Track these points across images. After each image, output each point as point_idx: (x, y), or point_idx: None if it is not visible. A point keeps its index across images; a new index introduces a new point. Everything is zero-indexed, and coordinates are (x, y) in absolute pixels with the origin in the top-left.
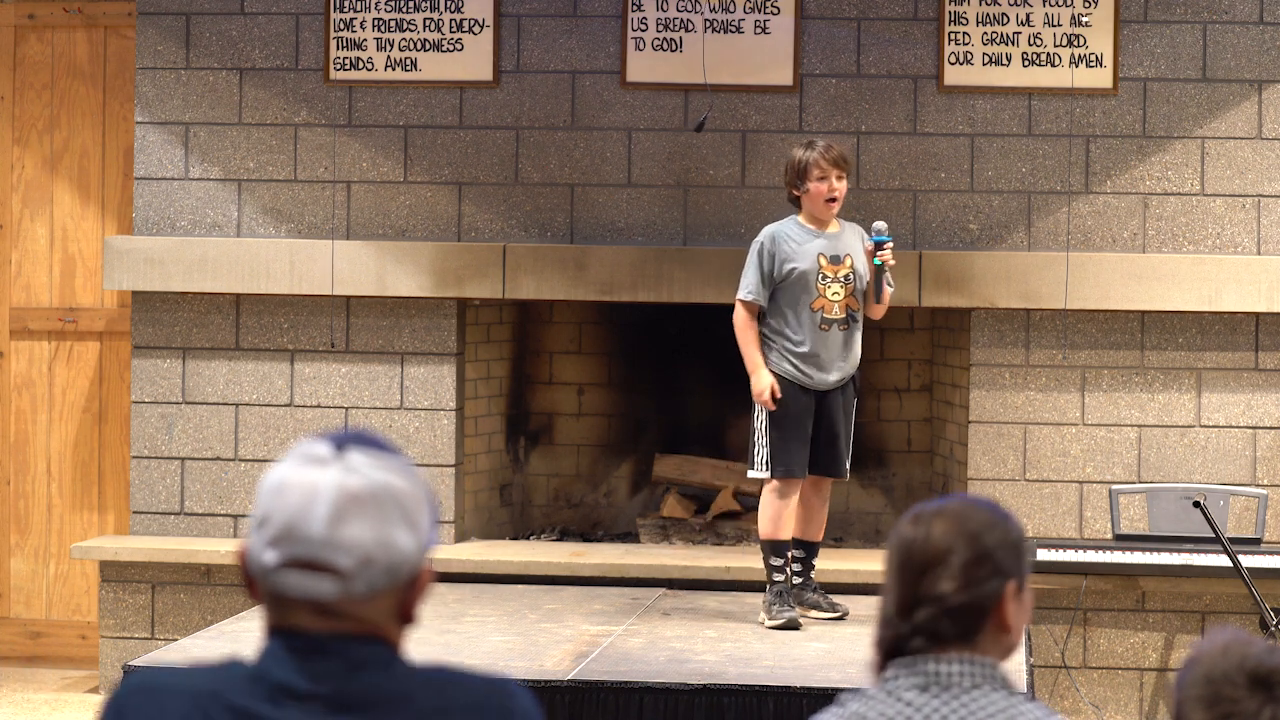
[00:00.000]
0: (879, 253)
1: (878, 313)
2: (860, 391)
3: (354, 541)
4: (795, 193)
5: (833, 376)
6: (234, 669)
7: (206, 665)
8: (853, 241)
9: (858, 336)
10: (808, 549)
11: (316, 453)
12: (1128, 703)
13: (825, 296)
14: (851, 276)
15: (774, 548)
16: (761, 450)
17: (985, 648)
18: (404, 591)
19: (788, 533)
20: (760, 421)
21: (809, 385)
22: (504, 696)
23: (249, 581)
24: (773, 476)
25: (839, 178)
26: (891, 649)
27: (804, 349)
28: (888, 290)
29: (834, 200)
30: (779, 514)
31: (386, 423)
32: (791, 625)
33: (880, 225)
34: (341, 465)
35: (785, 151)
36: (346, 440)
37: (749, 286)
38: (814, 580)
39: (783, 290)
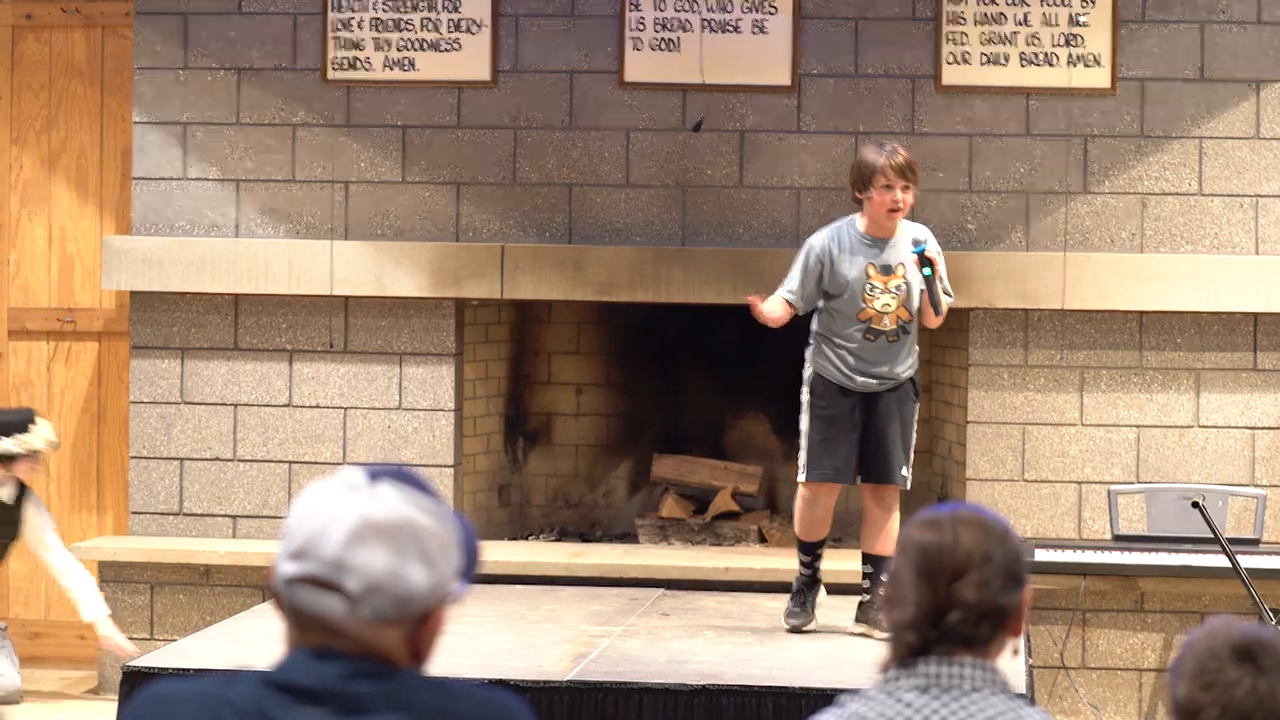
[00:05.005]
0: (923, 262)
1: (934, 322)
2: (918, 395)
3: (364, 567)
4: (859, 196)
5: (878, 381)
6: (245, 675)
7: (218, 672)
8: (909, 250)
9: (908, 345)
10: (875, 564)
11: (351, 480)
12: (1126, 703)
13: (873, 308)
14: (904, 287)
15: (801, 546)
16: (801, 453)
17: (994, 652)
18: (414, 627)
19: (818, 535)
20: (803, 424)
21: (852, 387)
22: (508, 711)
23: (274, 593)
24: (806, 480)
25: (905, 189)
26: (916, 652)
27: (848, 354)
28: (945, 300)
29: (896, 211)
30: (804, 519)
31: (385, 423)
32: (794, 630)
33: (917, 235)
34: (370, 494)
35: (783, 151)
36: (383, 474)
37: (789, 286)
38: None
39: (832, 295)
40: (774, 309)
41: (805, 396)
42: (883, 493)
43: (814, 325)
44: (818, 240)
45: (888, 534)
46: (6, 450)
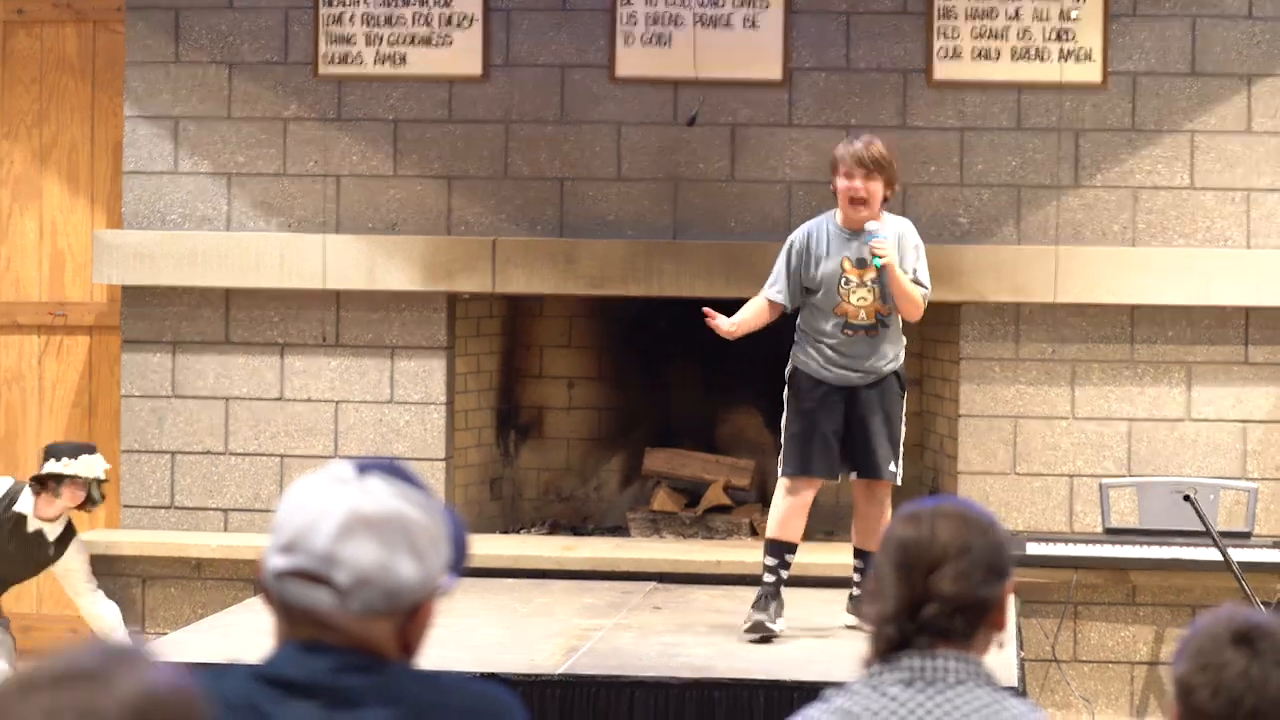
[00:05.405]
0: (874, 252)
1: (908, 313)
2: (905, 389)
3: (353, 560)
4: (832, 187)
5: (859, 375)
6: (236, 669)
7: (209, 666)
8: (891, 244)
9: (889, 338)
10: (866, 559)
11: (341, 473)
12: (1118, 696)
13: (849, 302)
14: (880, 280)
15: (769, 547)
16: (782, 447)
17: (977, 646)
18: (403, 619)
19: (790, 534)
20: (784, 419)
21: (831, 381)
22: (499, 704)
23: (264, 587)
24: (782, 474)
25: (867, 178)
26: (895, 646)
27: (828, 349)
28: (919, 292)
29: (858, 201)
30: (779, 512)
31: (377, 416)
32: (757, 629)
33: (871, 225)
34: (359, 487)
35: (774, 145)
36: (372, 467)
37: (771, 282)
38: None
39: (811, 291)
40: (742, 317)
41: (786, 392)
42: (874, 488)
43: (798, 321)
44: (796, 236)
45: (879, 529)
46: (52, 470)
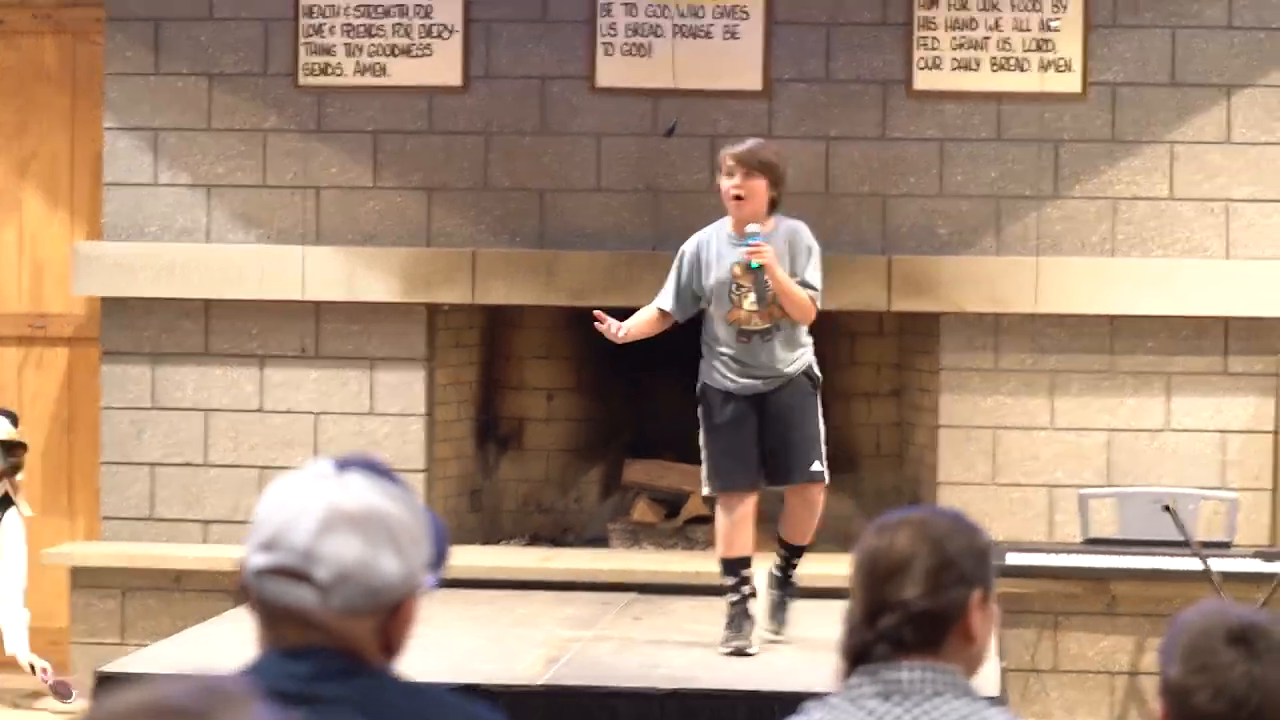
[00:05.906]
0: (748, 255)
1: (795, 315)
2: (818, 385)
3: (334, 556)
4: (716, 188)
5: (763, 382)
6: None
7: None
8: (780, 248)
9: (788, 340)
10: (788, 550)
11: (320, 470)
12: (1099, 706)
13: (741, 308)
14: (770, 284)
15: (724, 566)
16: (704, 465)
17: (949, 657)
18: (385, 617)
19: (738, 549)
20: (701, 435)
21: (736, 390)
22: None
23: (244, 586)
24: (708, 492)
25: (747, 176)
26: (856, 656)
27: (729, 359)
28: (791, 291)
29: (736, 199)
30: (722, 531)
31: (356, 428)
32: (738, 654)
33: (750, 227)
34: (339, 483)
35: None
36: (351, 463)
37: (663, 294)
38: (793, 587)
39: (706, 300)
40: (632, 323)
41: (699, 409)
42: (805, 490)
43: (702, 335)
44: (687, 245)
45: (800, 526)
46: None
